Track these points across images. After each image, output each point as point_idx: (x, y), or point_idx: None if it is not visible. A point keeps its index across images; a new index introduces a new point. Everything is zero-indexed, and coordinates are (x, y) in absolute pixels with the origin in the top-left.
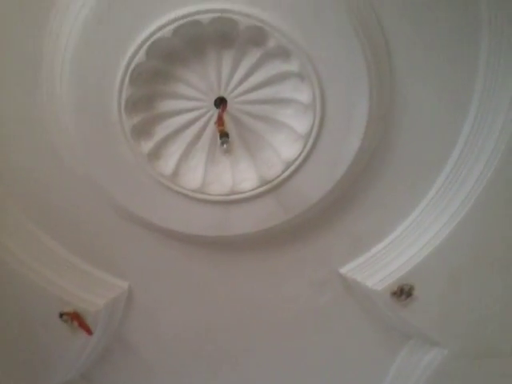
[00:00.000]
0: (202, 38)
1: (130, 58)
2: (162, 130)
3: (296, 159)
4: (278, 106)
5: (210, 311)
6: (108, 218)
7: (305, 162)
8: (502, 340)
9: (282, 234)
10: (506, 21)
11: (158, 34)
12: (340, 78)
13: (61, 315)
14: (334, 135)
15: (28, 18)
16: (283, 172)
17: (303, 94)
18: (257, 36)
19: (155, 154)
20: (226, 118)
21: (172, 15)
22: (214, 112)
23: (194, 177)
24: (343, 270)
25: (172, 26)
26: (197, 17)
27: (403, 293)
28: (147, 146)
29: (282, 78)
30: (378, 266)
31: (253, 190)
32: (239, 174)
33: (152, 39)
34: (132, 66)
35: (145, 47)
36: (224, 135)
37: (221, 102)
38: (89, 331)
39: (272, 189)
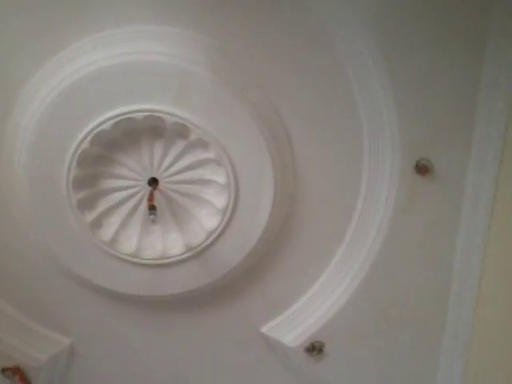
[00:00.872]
0: (137, 131)
1: (77, 145)
2: (103, 204)
3: (216, 229)
4: (201, 185)
5: (145, 368)
6: (54, 278)
7: (224, 232)
8: None
9: (207, 295)
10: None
11: (100, 127)
12: (249, 164)
13: (3, 370)
14: (247, 210)
15: None
16: (205, 240)
17: (220, 177)
18: (181, 130)
19: (97, 223)
20: (158, 195)
21: (111, 113)
22: (148, 190)
23: (129, 243)
24: (264, 329)
25: (111, 122)
26: (131, 115)
27: (315, 349)
28: (91, 216)
29: (202, 163)
30: (293, 324)
31: (180, 255)
32: (169, 242)
33: (95, 131)
34: (79, 151)
35: (89, 137)
36: (151, 208)
37: (153, 182)
38: None
39: (196, 254)
